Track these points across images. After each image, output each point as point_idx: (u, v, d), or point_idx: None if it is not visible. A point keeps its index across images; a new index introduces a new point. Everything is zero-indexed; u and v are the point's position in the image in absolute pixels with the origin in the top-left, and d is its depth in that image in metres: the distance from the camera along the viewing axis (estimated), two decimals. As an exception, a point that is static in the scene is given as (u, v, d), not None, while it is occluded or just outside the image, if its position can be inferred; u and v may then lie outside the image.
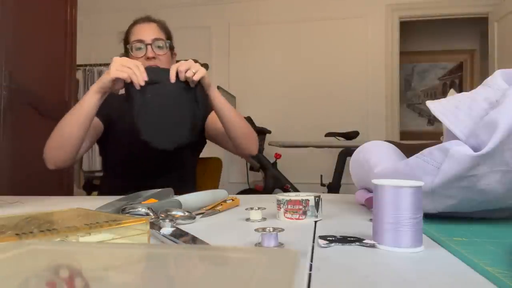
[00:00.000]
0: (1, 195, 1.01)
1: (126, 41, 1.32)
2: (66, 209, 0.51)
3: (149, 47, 1.25)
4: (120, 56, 1.33)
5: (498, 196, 0.50)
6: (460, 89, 4.93)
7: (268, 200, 0.79)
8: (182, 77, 1.07)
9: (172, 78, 1.08)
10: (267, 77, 4.01)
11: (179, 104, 1.11)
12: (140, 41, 1.25)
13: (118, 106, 1.29)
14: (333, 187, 3.17)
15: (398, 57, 3.87)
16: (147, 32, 1.28)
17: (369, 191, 0.72)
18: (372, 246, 0.43)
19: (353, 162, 0.78)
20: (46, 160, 1.14)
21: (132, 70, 1.05)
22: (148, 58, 1.25)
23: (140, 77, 1.05)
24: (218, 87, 3.43)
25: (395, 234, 0.41)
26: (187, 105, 1.11)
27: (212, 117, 1.35)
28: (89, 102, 1.08)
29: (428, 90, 5.27)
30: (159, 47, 1.27)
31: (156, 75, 1.09)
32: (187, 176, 1.36)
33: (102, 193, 1.38)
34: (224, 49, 4.09)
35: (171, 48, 1.34)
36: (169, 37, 1.34)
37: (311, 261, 0.38)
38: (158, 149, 1.10)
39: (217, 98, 1.18)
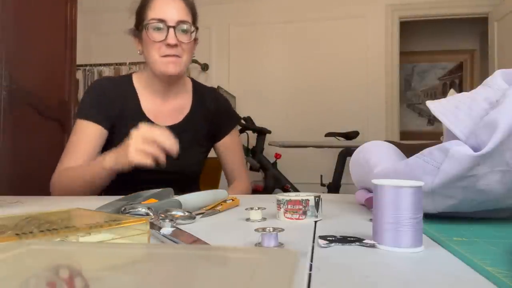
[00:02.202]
0: (1, 195, 1.01)
1: (140, 15, 1.07)
2: (66, 209, 0.51)
3: (171, 30, 1.01)
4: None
5: (498, 196, 0.50)
6: (460, 89, 4.93)
7: (268, 200, 0.79)
8: None
9: None
10: (267, 77, 4.01)
11: None
12: (161, 20, 1.02)
13: (118, 104, 1.11)
14: (333, 187, 3.18)
15: (398, 57, 3.87)
16: (172, 11, 1.03)
17: (369, 191, 0.72)
18: (372, 246, 0.42)
19: (353, 162, 0.78)
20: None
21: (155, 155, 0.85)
22: (168, 45, 1.02)
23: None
24: (218, 87, 3.44)
25: (395, 234, 0.41)
26: None
27: (225, 144, 1.23)
28: (100, 177, 0.97)
29: (428, 90, 5.27)
30: (183, 31, 1.04)
31: None
32: (191, 179, 1.23)
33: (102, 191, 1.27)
34: (224, 49, 4.10)
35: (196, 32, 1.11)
36: (194, 18, 1.11)
37: (311, 261, 0.38)
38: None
39: None
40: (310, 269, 0.35)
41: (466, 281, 0.33)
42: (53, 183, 1.05)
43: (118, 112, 1.10)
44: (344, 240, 0.44)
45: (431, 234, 0.48)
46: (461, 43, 5.10)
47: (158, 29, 1.02)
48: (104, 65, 4.00)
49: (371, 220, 0.46)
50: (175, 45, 1.02)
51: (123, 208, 0.59)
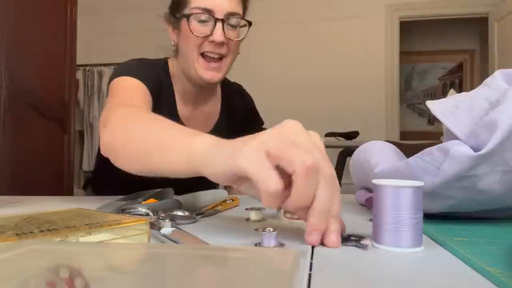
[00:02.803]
0: (1, 195, 1.01)
1: (178, 3, 0.89)
2: (66, 209, 0.51)
3: (219, 24, 0.83)
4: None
5: (498, 196, 0.50)
6: (460, 89, 4.94)
7: (268, 200, 0.78)
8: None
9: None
10: (267, 77, 4.01)
11: None
12: (208, 10, 0.83)
13: (155, 89, 0.87)
14: (333, 187, 3.17)
15: (398, 57, 3.88)
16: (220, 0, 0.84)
17: (369, 191, 0.72)
18: (365, 247, 0.42)
19: (353, 162, 0.78)
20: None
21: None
22: (213, 42, 0.84)
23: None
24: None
25: (395, 234, 0.41)
26: None
27: None
28: (167, 161, 0.53)
29: (428, 90, 5.28)
30: (232, 26, 0.86)
31: None
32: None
33: (98, 189, 1.08)
34: (224, 49, 4.10)
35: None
36: (245, 10, 0.92)
37: (311, 260, 0.38)
38: None
39: None
40: (310, 269, 0.35)
41: (466, 281, 0.33)
42: (104, 133, 0.68)
43: (154, 98, 0.86)
44: (343, 239, 0.44)
45: (431, 234, 0.48)
46: (461, 43, 5.11)
47: (203, 21, 0.84)
48: (104, 65, 4.01)
49: (371, 220, 0.46)
50: (221, 43, 0.84)
51: (123, 208, 0.59)
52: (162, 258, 0.30)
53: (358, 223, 0.57)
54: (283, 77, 3.99)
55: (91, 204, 0.67)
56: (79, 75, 3.94)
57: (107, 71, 4.03)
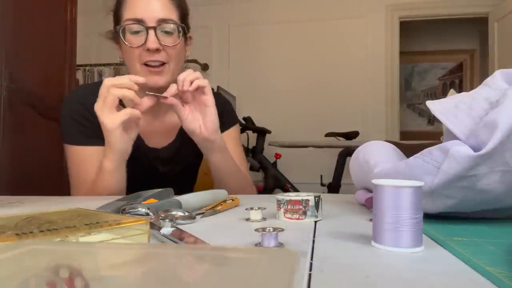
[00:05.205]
0: (1, 195, 1.01)
1: (117, 15, 0.90)
2: (66, 209, 0.51)
3: (151, 32, 0.84)
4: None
5: (498, 196, 0.50)
6: (460, 89, 4.94)
7: (268, 200, 0.79)
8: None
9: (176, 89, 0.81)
10: (267, 77, 4.01)
11: None
12: (139, 21, 0.84)
13: None
14: (333, 187, 3.18)
15: (398, 57, 3.88)
16: (151, 8, 0.84)
17: (369, 191, 0.72)
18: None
19: (353, 162, 0.78)
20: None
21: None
22: (148, 50, 0.85)
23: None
24: (218, 87, 3.44)
25: (395, 234, 0.41)
26: None
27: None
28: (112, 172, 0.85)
29: (428, 90, 5.28)
30: (166, 32, 0.86)
31: None
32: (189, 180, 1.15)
33: None
34: (224, 49, 4.10)
35: (186, 32, 0.92)
36: (184, 14, 0.92)
37: (311, 260, 0.38)
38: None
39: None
40: (310, 269, 0.35)
41: (466, 281, 0.33)
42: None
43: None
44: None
45: (431, 234, 0.48)
46: (461, 43, 5.11)
47: (136, 32, 0.85)
48: (104, 65, 4.01)
49: (371, 220, 0.46)
50: (157, 50, 0.85)
51: (123, 208, 0.59)
52: (162, 258, 0.30)
53: (358, 223, 0.57)
54: (283, 77, 3.99)
55: (91, 204, 0.67)
56: (79, 75, 3.93)
57: (107, 71, 4.02)
